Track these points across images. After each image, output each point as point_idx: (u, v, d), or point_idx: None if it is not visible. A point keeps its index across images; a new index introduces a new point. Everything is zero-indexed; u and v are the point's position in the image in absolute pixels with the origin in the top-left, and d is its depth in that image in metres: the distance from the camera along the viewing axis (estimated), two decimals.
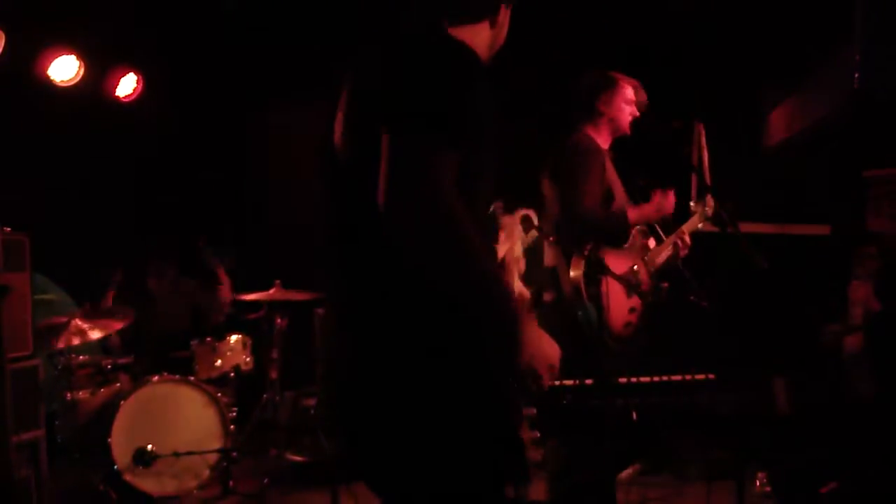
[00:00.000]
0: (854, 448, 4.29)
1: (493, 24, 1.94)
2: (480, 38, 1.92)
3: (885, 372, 4.60)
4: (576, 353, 3.30)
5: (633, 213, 3.53)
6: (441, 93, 1.64)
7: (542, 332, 1.77)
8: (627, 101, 3.56)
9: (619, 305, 3.30)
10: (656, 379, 2.92)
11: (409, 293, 1.67)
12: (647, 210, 3.57)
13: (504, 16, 1.98)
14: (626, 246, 3.53)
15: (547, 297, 3.51)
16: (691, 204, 3.70)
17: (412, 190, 1.56)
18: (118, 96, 5.90)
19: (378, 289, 1.72)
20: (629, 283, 3.37)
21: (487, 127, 1.70)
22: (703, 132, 3.58)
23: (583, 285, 3.24)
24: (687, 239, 3.57)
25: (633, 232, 3.62)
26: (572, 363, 3.35)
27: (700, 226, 3.67)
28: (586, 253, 3.23)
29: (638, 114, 3.56)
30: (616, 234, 3.41)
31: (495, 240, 2.66)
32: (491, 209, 2.57)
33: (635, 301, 3.42)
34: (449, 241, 1.56)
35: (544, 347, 1.77)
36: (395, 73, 1.70)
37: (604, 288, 2.89)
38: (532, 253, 3.76)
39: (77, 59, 5.50)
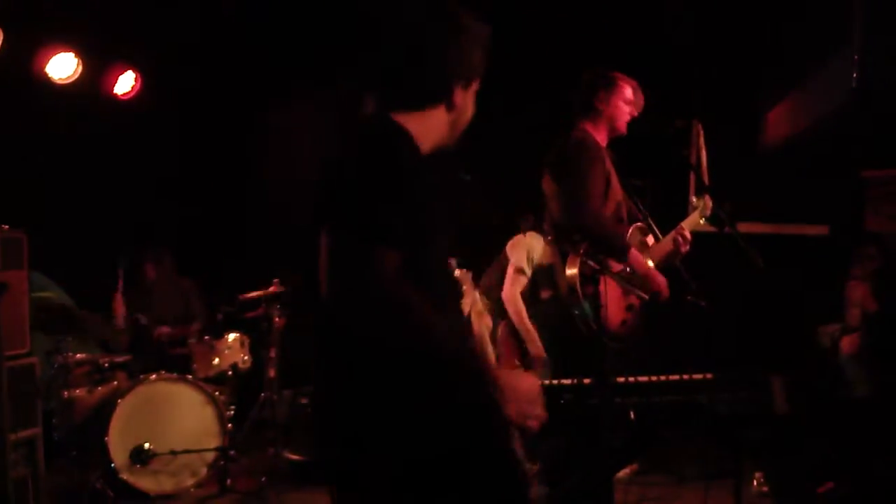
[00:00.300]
0: (851, 448, 4.30)
1: (449, 108, 1.95)
2: (434, 122, 1.94)
3: (882, 372, 4.60)
4: (572, 351, 3.31)
5: (650, 254, 3.53)
6: (373, 194, 1.72)
7: (514, 372, 1.86)
8: (626, 101, 3.56)
9: (616, 303, 3.30)
10: (654, 378, 2.92)
11: (370, 377, 1.77)
12: (665, 247, 3.55)
13: (463, 96, 1.97)
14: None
15: (544, 294, 3.51)
16: (692, 199, 3.70)
17: (347, 286, 1.68)
18: (116, 94, 5.89)
19: (346, 374, 1.81)
20: (627, 281, 3.37)
21: (427, 211, 1.79)
22: (702, 132, 3.58)
23: (578, 283, 3.24)
24: (687, 235, 3.56)
25: (631, 229, 3.62)
26: (569, 361, 3.37)
27: (701, 221, 3.66)
28: (581, 251, 3.23)
29: (636, 113, 3.56)
30: (611, 248, 3.36)
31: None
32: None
33: (632, 298, 3.42)
34: (398, 327, 1.69)
35: (522, 387, 1.82)
36: (336, 168, 1.82)
37: (601, 286, 2.89)
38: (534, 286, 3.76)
39: (75, 56, 5.49)
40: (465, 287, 2.73)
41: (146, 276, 5.77)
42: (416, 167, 1.82)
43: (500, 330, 5.04)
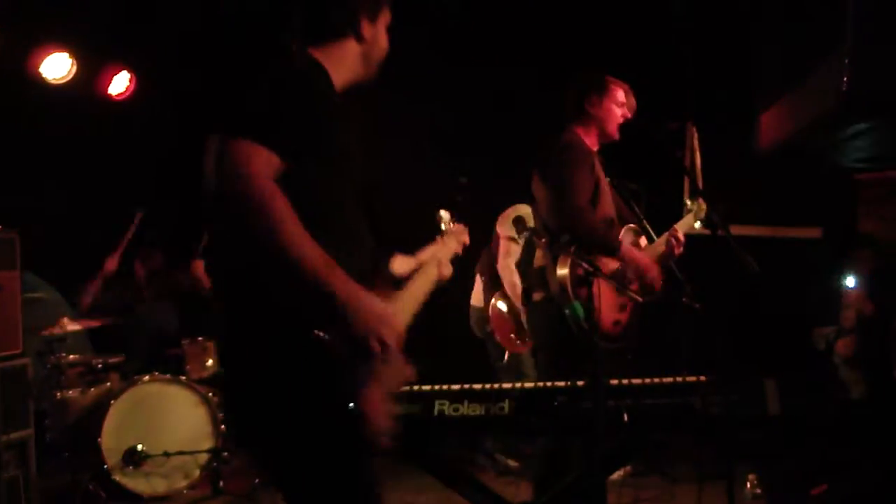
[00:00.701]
0: (845, 450, 4.30)
1: (359, 40, 2.06)
2: (346, 55, 2.05)
3: (876, 374, 4.61)
4: (565, 352, 3.31)
5: (642, 254, 3.54)
6: (253, 97, 1.86)
7: (372, 295, 1.79)
8: (618, 104, 3.56)
9: (609, 304, 3.30)
10: (648, 380, 2.92)
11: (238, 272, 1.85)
12: (658, 249, 3.56)
13: (371, 29, 2.07)
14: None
15: (536, 296, 3.51)
16: (686, 202, 3.70)
17: (222, 178, 1.79)
18: (111, 94, 5.88)
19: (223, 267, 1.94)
20: (619, 282, 3.37)
21: (324, 135, 1.87)
22: (696, 134, 3.58)
23: (569, 283, 3.24)
24: (680, 237, 3.56)
25: (623, 231, 3.62)
26: (561, 362, 3.37)
27: (695, 224, 3.67)
28: (572, 251, 3.23)
29: (629, 115, 3.56)
30: (602, 246, 3.36)
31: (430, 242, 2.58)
32: (438, 215, 2.68)
33: (624, 299, 3.42)
34: (253, 217, 1.72)
35: (375, 308, 1.78)
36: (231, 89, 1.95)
37: (595, 288, 2.89)
38: (527, 253, 3.77)
39: (70, 56, 5.48)
40: (453, 240, 2.58)
41: (136, 276, 5.76)
42: (318, 90, 1.90)
43: (490, 306, 5.05)
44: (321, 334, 1.73)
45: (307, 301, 1.73)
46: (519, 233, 5.10)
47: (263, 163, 1.75)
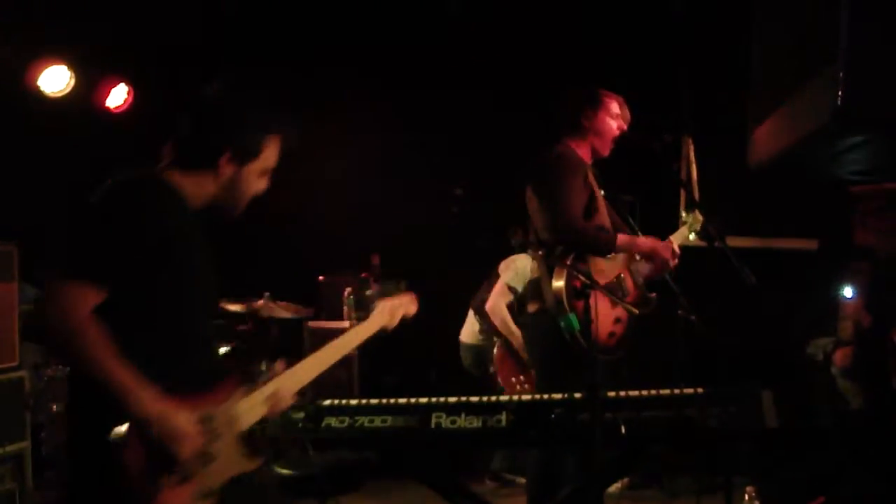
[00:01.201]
0: (843, 461, 4.30)
1: (216, 176, 2.16)
2: (204, 184, 2.17)
3: (874, 384, 4.61)
4: (560, 364, 3.32)
5: (639, 267, 3.55)
6: (71, 230, 2.04)
7: (175, 411, 1.96)
8: (612, 116, 3.57)
9: (604, 316, 3.30)
10: (645, 393, 2.92)
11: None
12: (652, 244, 3.56)
13: (236, 170, 2.17)
14: (610, 256, 3.53)
15: (531, 308, 3.51)
16: (682, 214, 3.71)
17: (43, 313, 1.98)
18: (109, 107, 5.89)
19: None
20: (614, 294, 3.38)
21: (158, 254, 2.01)
22: (693, 146, 3.60)
23: (564, 295, 3.25)
24: (676, 249, 3.57)
25: None
26: (556, 374, 3.37)
27: (691, 237, 3.68)
28: (567, 263, 3.24)
29: (624, 128, 3.58)
30: (597, 247, 3.38)
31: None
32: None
33: (620, 311, 3.42)
34: (66, 350, 1.93)
35: (177, 426, 1.94)
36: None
37: (591, 300, 2.89)
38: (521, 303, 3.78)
39: (68, 69, 5.49)
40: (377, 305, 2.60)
41: None
42: (156, 212, 2.06)
43: (495, 350, 5.06)
44: (114, 438, 1.90)
45: (113, 412, 1.90)
46: (519, 249, 5.13)
47: (74, 299, 1.91)
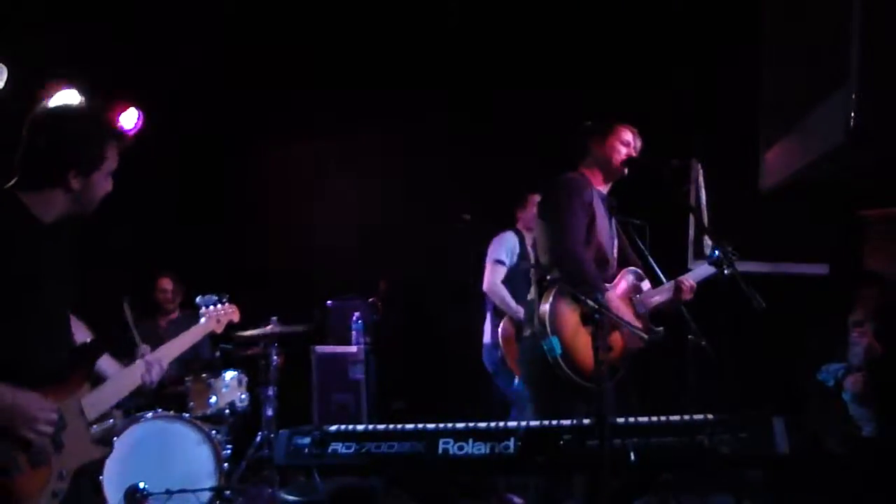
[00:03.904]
0: (855, 489, 4.25)
1: (66, 191, 2.33)
2: (54, 199, 2.33)
3: (887, 411, 4.57)
4: (546, 388, 3.29)
5: (644, 297, 3.52)
6: None
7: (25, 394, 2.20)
8: (623, 142, 3.57)
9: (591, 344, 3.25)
10: (655, 419, 2.89)
11: None
12: (663, 293, 3.54)
13: (81, 182, 2.34)
14: (610, 285, 3.51)
15: (525, 332, 3.51)
16: (706, 250, 3.69)
17: None
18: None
19: None
20: (625, 321, 3.34)
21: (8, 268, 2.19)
22: (702, 171, 3.59)
23: (548, 320, 3.23)
24: (691, 283, 3.54)
25: (623, 272, 3.61)
26: (544, 398, 3.34)
27: (712, 272, 3.61)
28: (558, 287, 3.22)
29: (634, 154, 3.57)
30: (585, 283, 3.30)
31: None
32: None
33: (613, 339, 3.37)
34: None
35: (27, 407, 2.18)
36: None
37: (597, 326, 2.83)
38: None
39: (78, 93, 5.53)
40: None
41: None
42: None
43: (501, 329, 5.06)
44: None
45: None
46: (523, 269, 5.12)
47: None
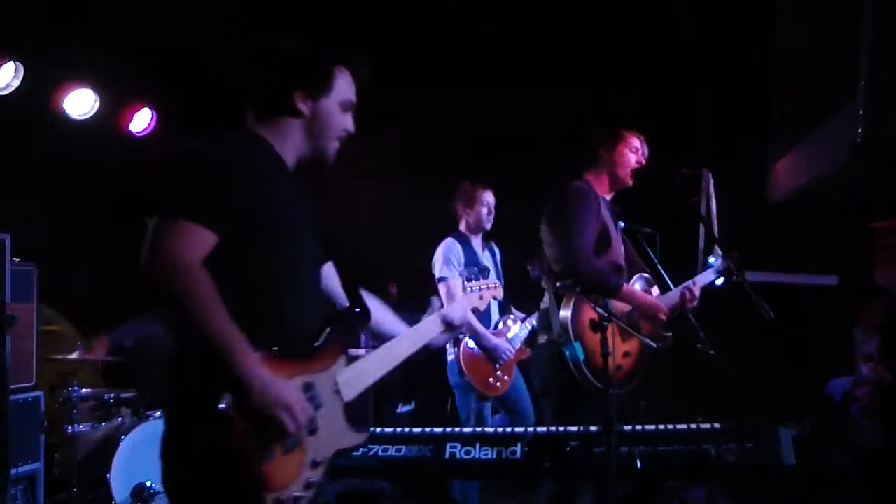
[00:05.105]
0: (861, 501, 4.24)
1: (296, 116, 2.15)
2: (287, 129, 2.16)
3: (894, 424, 4.56)
4: (566, 395, 3.29)
5: (643, 298, 3.52)
6: (173, 184, 1.99)
7: (278, 379, 1.88)
8: (632, 150, 3.58)
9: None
10: (662, 427, 2.89)
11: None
12: (671, 300, 3.54)
13: (310, 105, 2.15)
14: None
15: (541, 339, 3.51)
16: (710, 259, 3.70)
17: (149, 253, 1.88)
18: (132, 131, 5.95)
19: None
20: (634, 327, 3.35)
21: (246, 206, 1.96)
22: (712, 180, 3.59)
23: (570, 326, 3.23)
24: (696, 291, 3.55)
25: (635, 278, 3.61)
26: (564, 405, 3.34)
27: (718, 282, 3.64)
28: (576, 293, 3.23)
29: (643, 162, 3.58)
30: (601, 288, 3.32)
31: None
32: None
33: (630, 345, 3.39)
34: (176, 286, 1.84)
35: (283, 391, 1.87)
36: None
37: (608, 332, 2.85)
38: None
39: (93, 93, 5.57)
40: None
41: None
42: (252, 164, 2.00)
43: (461, 350, 4.71)
44: (223, 406, 1.81)
45: (217, 370, 1.81)
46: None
47: (187, 240, 1.87)
